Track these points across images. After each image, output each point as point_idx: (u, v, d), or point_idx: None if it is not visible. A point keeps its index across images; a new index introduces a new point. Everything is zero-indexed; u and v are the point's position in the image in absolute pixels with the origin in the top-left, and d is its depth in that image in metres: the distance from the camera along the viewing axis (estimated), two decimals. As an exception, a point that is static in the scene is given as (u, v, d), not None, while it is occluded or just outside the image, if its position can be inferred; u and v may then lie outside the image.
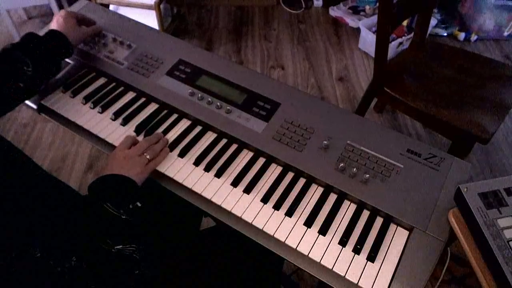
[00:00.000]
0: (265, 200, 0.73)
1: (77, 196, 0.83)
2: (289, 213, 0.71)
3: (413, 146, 0.78)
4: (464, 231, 0.64)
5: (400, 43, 2.11)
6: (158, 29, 1.97)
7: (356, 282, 0.64)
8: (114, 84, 0.93)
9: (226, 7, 2.58)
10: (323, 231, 0.69)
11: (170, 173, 0.77)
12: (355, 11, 2.43)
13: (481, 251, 0.61)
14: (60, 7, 2.21)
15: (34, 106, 0.89)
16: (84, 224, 0.61)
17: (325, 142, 0.78)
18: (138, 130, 0.84)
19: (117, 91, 0.92)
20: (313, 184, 0.76)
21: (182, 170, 0.77)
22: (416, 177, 0.74)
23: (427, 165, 0.75)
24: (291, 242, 0.68)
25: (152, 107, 0.89)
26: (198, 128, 0.85)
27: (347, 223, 0.71)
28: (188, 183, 0.75)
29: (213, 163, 0.78)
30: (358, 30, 2.26)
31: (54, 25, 0.88)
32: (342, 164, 0.75)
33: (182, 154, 0.80)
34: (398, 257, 0.66)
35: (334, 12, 2.48)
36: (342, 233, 0.69)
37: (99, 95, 0.90)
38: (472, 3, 2.26)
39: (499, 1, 2.09)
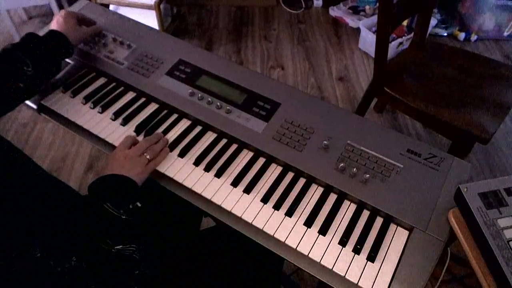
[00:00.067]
0: (265, 200, 0.73)
1: (77, 196, 0.83)
2: (289, 213, 0.71)
3: (413, 146, 0.78)
4: (464, 231, 0.64)
5: (400, 43, 2.11)
6: (158, 29, 1.97)
7: (356, 282, 0.64)
8: (114, 84, 0.93)
9: (226, 7, 2.58)
10: (323, 231, 0.69)
11: (170, 173, 0.77)
12: (355, 11, 2.43)
13: (481, 251, 0.61)
14: (60, 7, 2.21)
15: (34, 106, 0.89)
16: (84, 224, 0.61)
17: (325, 142, 0.78)
18: (138, 130, 0.84)
19: (117, 91, 0.92)
20: (313, 184, 0.76)
21: (182, 170, 0.77)
22: (416, 177, 0.74)
23: (427, 165, 0.75)
24: (291, 242, 0.68)
25: (152, 107, 0.89)
26: (198, 128, 0.85)
27: (347, 223, 0.71)
28: (188, 183, 0.76)
29: (213, 163, 0.78)
30: (358, 30, 2.26)
31: (54, 25, 0.88)
32: (342, 164, 0.75)
33: (182, 154, 0.80)
34: (398, 257, 0.66)
35: (334, 12, 2.48)
36: (342, 233, 0.69)
37: (99, 95, 0.90)
38: (472, 3, 2.26)
39: (499, 1, 2.09)
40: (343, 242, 0.68)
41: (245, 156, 0.81)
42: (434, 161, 0.76)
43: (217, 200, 0.73)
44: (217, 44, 2.31)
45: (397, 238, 0.69)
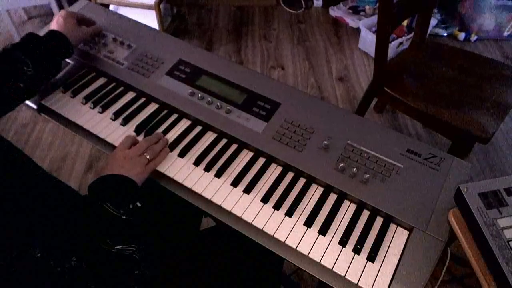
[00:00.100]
0: (265, 200, 0.73)
1: (77, 196, 0.83)
2: (289, 213, 0.71)
3: (413, 146, 0.78)
4: (464, 231, 0.64)
5: (400, 43, 2.11)
6: (158, 29, 1.97)
7: (356, 282, 0.64)
8: (114, 84, 0.93)
9: (226, 7, 2.58)
10: (323, 231, 0.69)
11: (170, 173, 0.77)
12: (355, 11, 2.43)
13: (481, 251, 0.61)
14: (60, 7, 2.21)
15: (34, 106, 0.89)
16: (84, 224, 0.61)
17: (325, 142, 0.78)
18: (138, 130, 0.84)
19: (117, 91, 0.92)
20: (313, 184, 0.76)
21: (182, 170, 0.77)
22: (416, 177, 0.74)
23: (427, 165, 0.75)
24: (291, 242, 0.68)
25: (152, 107, 0.89)
26: (198, 128, 0.85)
27: (347, 223, 0.71)
28: (188, 183, 0.75)
29: (213, 163, 0.78)
30: (358, 30, 2.26)
31: (54, 25, 0.88)
32: (342, 164, 0.75)
33: (182, 154, 0.80)
34: (398, 257, 0.66)
35: (334, 12, 2.48)
36: (342, 233, 0.69)
37: (99, 95, 0.90)
38: (472, 3, 2.26)
39: (499, 1, 2.09)
40: (343, 242, 0.68)
41: (245, 156, 0.81)
42: (434, 161, 0.76)
43: (217, 200, 0.73)
44: (217, 44, 2.31)
45: (397, 238, 0.69)
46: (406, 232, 0.70)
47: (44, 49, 0.82)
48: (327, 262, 0.66)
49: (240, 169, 0.78)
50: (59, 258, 0.55)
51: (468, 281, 1.32)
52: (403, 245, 0.68)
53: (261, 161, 0.80)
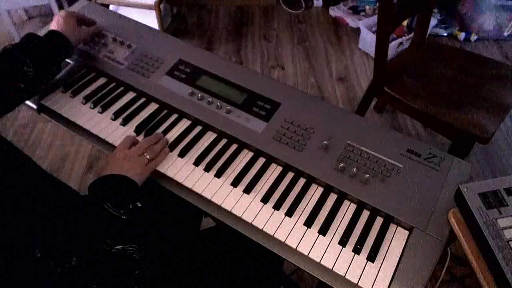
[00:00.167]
0: (265, 200, 0.73)
1: (77, 196, 0.83)
2: (289, 213, 0.71)
3: (413, 146, 0.78)
4: (464, 231, 0.64)
5: (400, 43, 2.11)
6: (158, 29, 1.97)
7: (356, 282, 0.64)
8: (114, 84, 0.93)
9: (226, 7, 2.58)
10: (323, 231, 0.69)
11: (170, 173, 0.77)
12: (355, 11, 2.43)
13: (481, 251, 0.61)
14: (60, 7, 2.21)
15: (34, 106, 0.89)
16: (84, 224, 0.61)
17: (325, 142, 0.78)
18: (138, 130, 0.84)
19: (117, 91, 0.92)
20: (313, 184, 0.76)
21: (182, 170, 0.77)
22: (416, 177, 0.74)
23: (427, 165, 0.75)
24: (291, 242, 0.68)
25: (152, 107, 0.89)
26: (198, 128, 0.85)
27: (347, 223, 0.71)
28: (188, 183, 0.75)
29: (213, 163, 0.78)
30: (358, 30, 2.26)
31: (54, 25, 0.88)
32: (342, 164, 0.75)
33: (182, 154, 0.80)
34: (398, 257, 0.66)
35: (334, 12, 2.48)
36: (342, 233, 0.69)
37: (99, 95, 0.90)
38: (472, 3, 2.26)
39: (499, 1, 2.09)
40: (343, 242, 0.68)
41: (245, 156, 0.81)
42: (434, 161, 0.76)
43: (217, 200, 0.73)
44: (217, 44, 2.31)
45: (397, 238, 0.69)
46: (406, 232, 0.70)
47: (44, 49, 0.82)
48: (327, 262, 0.66)
49: (240, 169, 0.78)
50: (59, 258, 0.55)
51: (468, 281, 1.32)
52: (403, 245, 0.68)
53: (261, 161, 0.80)
